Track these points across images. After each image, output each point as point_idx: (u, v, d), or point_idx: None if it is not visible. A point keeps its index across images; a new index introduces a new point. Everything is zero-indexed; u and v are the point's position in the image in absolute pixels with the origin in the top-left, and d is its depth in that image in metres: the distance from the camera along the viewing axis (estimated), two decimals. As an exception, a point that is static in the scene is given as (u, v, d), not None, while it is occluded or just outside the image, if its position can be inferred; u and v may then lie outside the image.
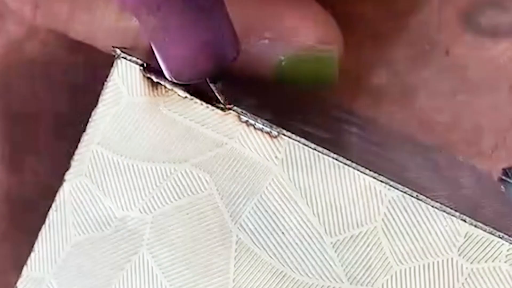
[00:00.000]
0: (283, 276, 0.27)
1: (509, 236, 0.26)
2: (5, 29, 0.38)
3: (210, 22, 0.26)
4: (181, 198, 0.28)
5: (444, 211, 0.26)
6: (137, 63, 0.28)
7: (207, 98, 0.28)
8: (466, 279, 0.26)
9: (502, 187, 0.38)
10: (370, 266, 0.27)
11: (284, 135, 0.27)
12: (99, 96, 0.29)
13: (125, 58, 0.28)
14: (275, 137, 0.27)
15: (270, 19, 0.32)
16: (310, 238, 0.27)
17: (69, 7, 0.33)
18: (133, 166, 0.28)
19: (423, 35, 0.39)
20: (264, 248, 0.27)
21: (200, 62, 0.26)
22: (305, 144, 0.27)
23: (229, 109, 0.27)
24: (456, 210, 0.26)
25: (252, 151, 0.27)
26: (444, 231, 0.26)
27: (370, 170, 0.27)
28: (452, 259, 0.26)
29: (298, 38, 0.32)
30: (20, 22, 0.38)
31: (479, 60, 0.38)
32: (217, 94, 0.27)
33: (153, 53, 0.26)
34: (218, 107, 0.28)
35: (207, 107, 0.28)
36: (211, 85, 0.27)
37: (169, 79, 0.27)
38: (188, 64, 0.26)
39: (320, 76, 0.33)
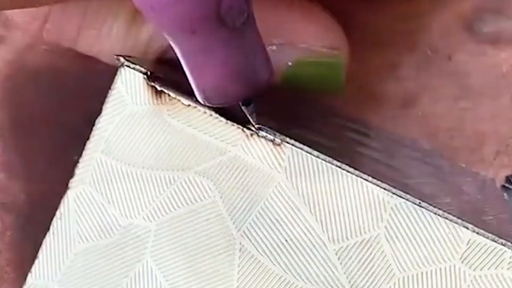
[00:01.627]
0: (287, 283, 0.27)
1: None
2: (11, 38, 0.38)
3: (243, 44, 0.26)
4: (185, 206, 0.28)
5: (447, 218, 0.26)
6: (141, 72, 0.28)
7: (237, 119, 0.28)
8: (468, 286, 0.26)
9: (504, 194, 0.38)
10: (373, 273, 0.27)
11: (287, 142, 0.27)
12: (103, 104, 0.29)
13: (128, 66, 0.28)
14: (279, 144, 0.27)
15: (277, 26, 0.32)
16: (313, 246, 0.27)
17: (78, 23, 0.33)
18: (136, 174, 0.28)
19: (426, 42, 0.39)
20: (267, 255, 0.27)
21: (233, 85, 0.26)
22: (308, 152, 0.27)
23: (260, 129, 0.27)
24: (458, 217, 0.26)
25: (256, 158, 0.28)
26: (447, 238, 0.26)
27: (372, 177, 0.27)
28: (454, 266, 0.26)
29: (305, 43, 0.32)
30: (25, 30, 0.38)
31: (482, 67, 0.38)
32: (249, 117, 0.27)
33: (186, 76, 0.26)
34: (249, 129, 0.28)
35: (211, 115, 0.28)
36: (243, 107, 0.27)
37: (202, 102, 0.27)
38: (221, 88, 0.26)
39: (327, 82, 0.33)
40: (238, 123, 0.28)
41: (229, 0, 0.25)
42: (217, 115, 0.28)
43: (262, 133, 0.27)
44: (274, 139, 0.27)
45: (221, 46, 0.25)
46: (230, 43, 0.25)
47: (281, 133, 0.27)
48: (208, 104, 0.27)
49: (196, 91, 0.27)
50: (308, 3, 0.34)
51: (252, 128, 0.27)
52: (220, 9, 0.25)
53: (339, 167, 0.27)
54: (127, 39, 0.33)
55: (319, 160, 0.27)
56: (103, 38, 0.33)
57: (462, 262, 0.26)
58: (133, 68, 0.28)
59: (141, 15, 0.32)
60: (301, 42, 0.32)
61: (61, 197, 0.29)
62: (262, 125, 0.27)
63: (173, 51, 0.26)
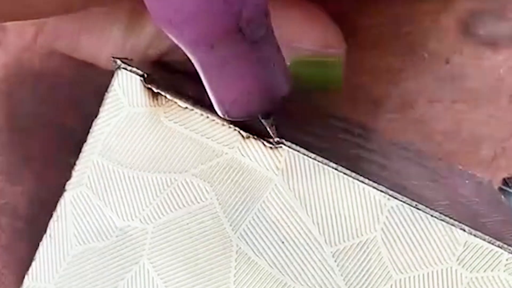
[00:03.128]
0: (283, 285, 0.27)
1: (509, 245, 0.26)
2: (7, 41, 0.38)
3: (263, 57, 0.26)
4: (182, 208, 0.28)
5: (443, 220, 0.26)
6: (137, 74, 0.28)
7: (256, 132, 0.28)
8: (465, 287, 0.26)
9: (502, 196, 0.38)
10: (370, 275, 0.27)
11: (284, 144, 0.27)
12: (100, 106, 0.29)
13: (125, 68, 0.28)
14: (276, 147, 0.27)
15: (275, 26, 0.32)
16: (310, 248, 0.27)
17: (74, 30, 0.33)
18: (133, 176, 0.28)
19: (423, 44, 0.39)
20: (264, 258, 0.27)
21: (252, 98, 0.26)
22: (305, 154, 0.27)
23: (280, 142, 0.27)
24: (455, 219, 0.26)
25: (252, 160, 0.28)
26: (444, 240, 0.26)
27: (369, 179, 0.27)
28: (451, 268, 0.26)
29: (303, 43, 0.33)
30: (21, 34, 0.38)
31: (479, 69, 0.38)
32: (268, 129, 0.27)
33: (205, 90, 0.26)
34: (269, 142, 0.27)
35: (207, 117, 0.28)
36: (262, 120, 0.27)
37: (221, 116, 0.27)
38: (241, 102, 0.26)
39: (325, 81, 0.33)
40: (257, 136, 0.27)
41: (249, 13, 0.25)
42: (213, 117, 0.28)
43: (285, 146, 0.27)
44: (299, 150, 0.27)
45: (241, 60, 0.25)
46: (249, 57, 0.25)
47: (278, 136, 0.27)
48: (228, 118, 0.27)
49: (216, 105, 0.26)
50: (306, 3, 0.34)
51: (272, 141, 0.27)
52: (239, 22, 0.24)
53: (336, 169, 0.27)
54: (125, 45, 0.33)
55: (316, 162, 0.27)
56: (101, 45, 0.33)
57: (459, 264, 0.26)
58: (130, 71, 0.28)
59: (140, 21, 0.32)
60: (299, 42, 0.32)
61: (58, 199, 0.29)
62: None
63: (192, 65, 0.26)
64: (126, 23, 0.32)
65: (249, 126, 0.28)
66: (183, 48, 0.25)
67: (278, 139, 0.27)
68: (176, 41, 0.25)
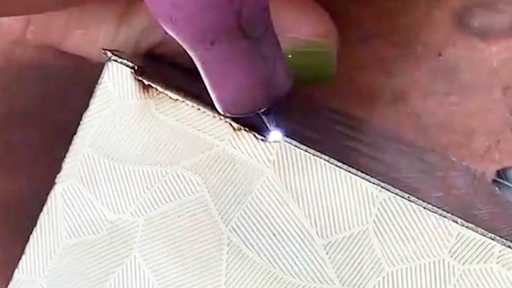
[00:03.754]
0: (275, 278, 0.27)
1: (501, 237, 0.26)
2: (-2, 33, 0.38)
3: (263, 54, 0.26)
4: (173, 201, 0.28)
5: (436, 212, 0.26)
6: (128, 66, 0.28)
7: (255, 128, 0.27)
8: (457, 280, 0.26)
9: (495, 188, 0.38)
10: (361, 267, 0.27)
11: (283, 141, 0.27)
12: (90, 99, 0.29)
13: (116, 60, 0.28)
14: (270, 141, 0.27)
15: None
16: (302, 240, 0.27)
17: (63, 24, 0.33)
18: (124, 168, 0.28)
19: (416, 37, 0.39)
20: (255, 250, 0.27)
21: (254, 95, 0.26)
22: (297, 146, 0.27)
23: (283, 140, 0.27)
24: (447, 211, 0.26)
25: (244, 153, 0.27)
26: (436, 232, 0.26)
27: (362, 171, 0.27)
28: (443, 260, 0.26)
29: (296, 33, 0.32)
30: (11, 26, 0.38)
31: (472, 62, 0.38)
32: (269, 126, 0.27)
33: (205, 86, 0.26)
34: (267, 140, 0.27)
35: (198, 109, 0.28)
36: (263, 117, 0.27)
37: (221, 112, 0.27)
38: (242, 98, 0.26)
39: (318, 71, 0.33)
40: (257, 133, 0.27)
41: (250, 10, 0.24)
42: (204, 109, 0.28)
43: (291, 143, 0.27)
44: (290, 142, 0.27)
45: (242, 56, 0.25)
46: (250, 53, 0.25)
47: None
48: (228, 115, 0.27)
49: (216, 102, 0.26)
50: None
51: (266, 137, 0.27)
52: (240, 19, 0.24)
53: (328, 162, 0.27)
54: (115, 39, 0.32)
55: (307, 154, 0.27)
56: (90, 39, 0.33)
57: (451, 256, 0.26)
58: (120, 63, 0.28)
59: (131, 13, 0.32)
60: (292, 33, 0.32)
61: (49, 192, 0.29)
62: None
63: (186, 59, 0.26)
64: (117, 16, 0.32)
65: (248, 123, 0.28)
66: (183, 44, 0.25)
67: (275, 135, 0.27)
68: (176, 38, 0.25)
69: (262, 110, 0.27)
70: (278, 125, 0.27)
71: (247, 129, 0.27)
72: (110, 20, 0.32)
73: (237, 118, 0.27)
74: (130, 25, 0.32)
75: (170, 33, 0.25)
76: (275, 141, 0.27)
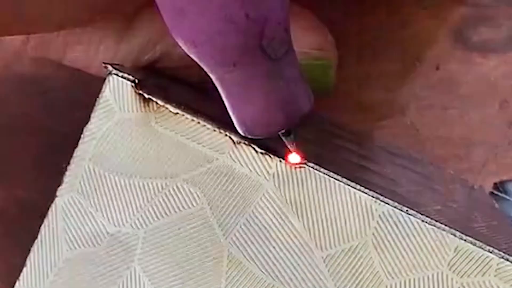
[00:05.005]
0: (274, 290, 0.27)
1: (499, 250, 0.26)
2: (-2, 46, 0.38)
3: (284, 74, 0.26)
4: (173, 213, 0.28)
5: (434, 226, 0.26)
6: (129, 80, 0.28)
7: (273, 151, 0.27)
8: (456, 293, 0.26)
9: (493, 201, 0.38)
10: (360, 280, 0.27)
11: (307, 165, 0.27)
12: (91, 112, 0.29)
13: (116, 74, 0.28)
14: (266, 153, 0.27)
15: None
16: (301, 253, 0.27)
17: (64, 40, 0.33)
18: (124, 181, 0.28)
19: (415, 51, 0.39)
20: (255, 262, 0.27)
21: (275, 116, 0.26)
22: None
23: (304, 163, 0.27)
24: (446, 225, 0.26)
25: (243, 166, 0.28)
26: (434, 245, 0.26)
27: (361, 185, 0.27)
28: (442, 273, 0.26)
29: (296, 46, 0.33)
30: (12, 39, 0.38)
31: (470, 75, 0.39)
32: (289, 146, 0.27)
33: (226, 108, 0.26)
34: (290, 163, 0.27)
35: (198, 122, 0.28)
36: (283, 137, 0.27)
37: (242, 134, 0.27)
38: (263, 119, 0.26)
39: (318, 83, 0.33)
40: (276, 155, 0.27)
41: (271, 31, 0.25)
42: (204, 123, 0.28)
43: (319, 171, 0.27)
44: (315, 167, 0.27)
45: (263, 77, 0.25)
46: (271, 74, 0.25)
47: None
48: (249, 136, 0.27)
49: (237, 123, 0.26)
50: (300, 9, 0.34)
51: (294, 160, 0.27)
52: (262, 41, 0.25)
53: (327, 175, 0.27)
54: (116, 53, 0.33)
55: (307, 168, 0.27)
56: (91, 54, 0.33)
57: (450, 269, 0.26)
58: (121, 76, 0.28)
59: (131, 28, 0.32)
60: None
61: (49, 204, 0.29)
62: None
63: (213, 84, 0.26)
64: (117, 31, 0.32)
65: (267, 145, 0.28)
66: (204, 67, 0.25)
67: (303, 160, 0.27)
68: (198, 61, 0.25)
69: (282, 131, 0.27)
70: (297, 146, 0.27)
71: (246, 142, 0.27)
72: (111, 35, 0.32)
73: (257, 140, 0.27)
74: (131, 40, 0.32)
75: (192, 56, 0.25)
76: (298, 165, 0.27)
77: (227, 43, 0.24)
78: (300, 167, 0.27)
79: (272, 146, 0.27)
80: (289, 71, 0.26)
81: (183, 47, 0.25)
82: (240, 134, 0.27)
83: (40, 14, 0.28)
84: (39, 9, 0.28)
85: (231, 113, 0.26)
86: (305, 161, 0.27)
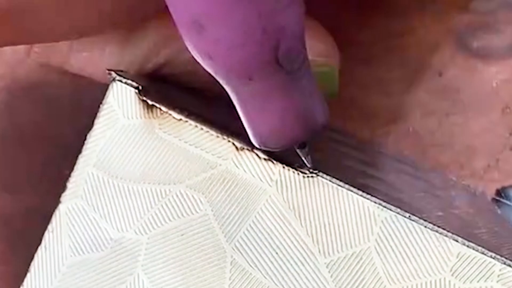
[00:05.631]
0: (278, 296, 0.27)
1: (501, 256, 0.26)
2: (2, 51, 0.38)
3: (300, 87, 0.26)
4: (176, 219, 0.28)
5: (437, 231, 0.26)
6: (132, 86, 0.28)
7: (287, 162, 0.27)
8: (458, 298, 0.26)
9: (495, 207, 0.38)
10: (363, 286, 0.27)
11: (318, 175, 0.27)
12: (95, 118, 0.29)
13: (120, 81, 0.28)
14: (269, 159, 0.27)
15: None
16: (304, 259, 0.27)
17: (68, 46, 0.33)
18: (128, 187, 0.29)
19: (416, 57, 0.39)
20: (258, 269, 0.28)
21: (291, 129, 0.26)
22: (332, 181, 0.27)
23: (315, 174, 0.27)
24: (448, 230, 0.26)
25: (247, 172, 0.28)
26: (437, 251, 0.26)
27: (363, 191, 0.27)
28: (444, 279, 0.26)
29: None
30: (15, 47, 0.38)
31: (472, 82, 0.39)
32: (304, 159, 0.27)
33: (241, 121, 0.26)
34: (301, 172, 0.27)
35: (202, 128, 0.28)
36: (298, 150, 0.27)
37: (258, 146, 0.27)
38: (279, 132, 0.26)
39: (323, 89, 0.33)
40: (291, 167, 0.27)
41: (287, 44, 0.24)
42: (207, 129, 0.28)
43: (322, 177, 0.27)
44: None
45: (279, 91, 0.25)
46: (287, 87, 0.25)
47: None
48: (264, 148, 0.27)
49: (252, 136, 0.26)
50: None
51: (307, 171, 0.27)
52: (278, 54, 0.24)
53: (330, 181, 0.27)
54: (120, 60, 0.33)
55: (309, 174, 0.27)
56: (95, 60, 0.33)
57: (452, 275, 0.26)
58: (125, 83, 0.28)
59: (135, 35, 0.32)
60: None
61: (53, 210, 0.29)
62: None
63: (228, 96, 0.26)
64: (122, 37, 0.33)
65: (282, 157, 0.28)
66: (219, 79, 0.25)
67: (313, 169, 0.27)
68: (213, 74, 0.25)
69: (298, 144, 0.27)
70: (312, 159, 0.27)
71: (249, 148, 0.28)
72: (115, 41, 0.32)
73: (272, 152, 0.27)
74: (136, 46, 0.32)
75: (208, 69, 0.25)
76: (312, 174, 0.27)
77: (243, 56, 0.24)
78: (310, 176, 0.27)
79: (279, 154, 0.27)
80: (305, 84, 0.26)
81: (198, 60, 0.25)
82: (243, 140, 0.28)
83: (44, 26, 0.28)
84: (43, 21, 0.28)
85: (246, 126, 0.26)
86: (317, 171, 0.27)
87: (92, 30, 0.30)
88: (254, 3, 0.24)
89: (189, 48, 0.25)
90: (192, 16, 0.24)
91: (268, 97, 0.25)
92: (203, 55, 0.25)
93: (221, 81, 0.25)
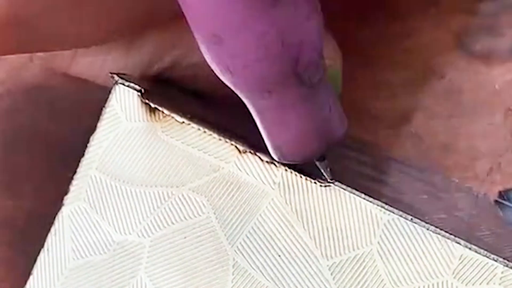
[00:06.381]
0: (280, 299, 0.27)
1: (504, 258, 0.26)
2: (3, 57, 0.38)
3: (319, 100, 0.26)
4: (179, 222, 0.28)
5: (439, 234, 0.26)
6: (135, 89, 0.28)
7: (307, 174, 0.27)
8: (461, 301, 0.26)
9: (498, 209, 0.38)
10: (366, 288, 0.27)
11: (335, 185, 0.27)
12: (98, 121, 0.29)
13: (123, 84, 0.29)
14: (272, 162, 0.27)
15: None
16: (307, 261, 0.27)
17: (71, 51, 0.33)
18: (131, 190, 0.29)
19: (419, 60, 0.39)
20: (260, 271, 0.28)
21: (310, 142, 0.26)
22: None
23: (334, 183, 0.27)
24: (450, 233, 0.26)
25: (249, 175, 0.28)
26: (439, 253, 0.26)
27: (366, 193, 0.27)
28: (447, 281, 0.26)
29: None
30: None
31: (474, 84, 0.39)
32: (323, 172, 0.27)
33: (261, 135, 0.26)
34: (321, 184, 0.27)
35: (204, 132, 0.28)
36: (317, 163, 0.27)
37: (277, 159, 0.27)
38: (298, 145, 0.26)
39: None
40: (310, 178, 0.27)
41: (307, 58, 0.24)
42: (210, 132, 0.28)
43: (337, 186, 0.27)
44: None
45: (298, 103, 0.25)
46: (307, 100, 0.25)
47: None
48: (284, 162, 0.27)
49: (271, 149, 0.26)
50: None
51: (325, 183, 0.27)
52: (297, 67, 0.24)
53: (333, 184, 0.27)
54: (124, 63, 0.33)
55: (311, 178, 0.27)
56: (99, 63, 0.33)
57: (455, 277, 0.26)
58: (128, 86, 0.28)
59: (139, 40, 0.32)
60: None
61: (55, 213, 0.29)
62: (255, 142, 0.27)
63: (245, 107, 0.26)
64: (126, 41, 0.33)
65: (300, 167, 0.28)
66: (238, 93, 0.25)
67: (334, 180, 0.27)
68: (231, 86, 0.25)
69: (317, 156, 0.27)
70: (331, 171, 0.27)
71: (252, 151, 0.28)
72: (119, 46, 0.32)
73: (292, 165, 0.27)
74: (140, 50, 0.32)
75: (227, 83, 0.25)
76: (327, 185, 0.27)
77: (263, 70, 0.24)
78: (327, 186, 0.27)
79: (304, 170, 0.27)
80: (324, 97, 0.26)
81: (217, 74, 0.25)
82: (246, 143, 0.28)
83: (53, 34, 0.28)
84: (53, 29, 0.28)
85: (265, 139, 0.26)
86: (333, 181, 0.27)
87: (101, 39, 0.30)
88: (273, 17, 0.24)
89: (208, 61, 0.25)
90: (211, 29, 0.24)
91: (287, 110, 0.25)
92: (222, 69, 0.25)
93: (240, 95, 0.25)
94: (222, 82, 0.25)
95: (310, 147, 0.26)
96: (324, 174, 0.27)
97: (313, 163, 0.27)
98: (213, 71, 0.25)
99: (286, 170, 0.27)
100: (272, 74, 0.24)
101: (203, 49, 0.25)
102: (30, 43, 0.29)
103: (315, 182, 0.27)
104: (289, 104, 0.25)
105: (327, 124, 0.26)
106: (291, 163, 0.27)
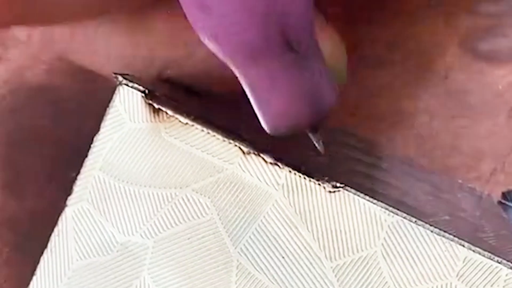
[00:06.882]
0: (284, 300, 0.27)
1: (508, 261, 0.26)
2: (7, 57, 0.38)
3: (309, 67, 0.26)
4: (182, 223, 0.28)
5: (443, 236, 0.26)
6: (139, 90, 0.28)
7: (310, 176, 0.27)
8: (465, 303, 0.26)
9: (502, 210, 0.38)
10: (369, 290, 0.27)
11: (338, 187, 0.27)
12: (101, 122, 0.29)
13: (127, 84, 0.29)
14: (276, 163, 0.27)
15: None
16: (310, 263, 0.27)
17: (70, 33, 0.33)
18: (134, 191, 0.29)
19: (423, 60, 0.39)
20: (264, 273, 0.28)
21: (301, 109, 0.26)
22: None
23: (338, 190, 0.27)
24: (455, 235, 0.26)
25: (253, 176, 0.28)
26: (443, 255, 0.26)
27: (369, 195, 0.27)
28: (451, 283, 0.26)
29: None
30: (22, 49, 0.38)
31: (478, 85, 0.39)
32: (316, 144, 0.27)
33: (251, 106, 0.26)
34: (330, 190, 0.27)
35: (208, 133, 0.28)
36: (310, 135, 0.27)
37: (270, 132, 0.27)
38: (289, 113, 0.26)
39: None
40: (314, 179, 0.27)
41: (295, 23, 0.24)
42: (214, 133, 0.28)
43: (342, 189, 0.27)
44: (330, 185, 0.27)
45: (287, 70, 0.25)
46: (296, 67, 0.25)
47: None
48: (276, 134, 0.27)
49: (263, 120, 0.26)
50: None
51: (333, 189, 0.27)
52: (286, 33, 0.24)
53: (336, 185, 0.27)
54: (127, 62, 0.33)
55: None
56: (101, 62, 0.33)
57: (459, 279, 0.26)
58: (131, 87, 0.28)
59: (141, 38, 0.32)
60: None
61: (59, 214, 0.29)
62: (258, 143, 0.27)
63: (238, 82, 0.26)
64: (128, 40, 0.33)
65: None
66: (227, 62, 0.25)
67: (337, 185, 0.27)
68: (220, 56, 0.25)
69: (309, 128, 0.27)
70: (324, 143, 0.27)
71: (256, 152, 0.28)
72: (121, 45, 0.32)
73: (296, 167, 0.27)
74: (141, 50, 0.32)
75: (215, 52, 0.25)
76: (335, 190, 0.27)
77: (247, 37, 0.24)
78: (335, 192, 0.27)
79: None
80: (314, 63, 0.26)
81: (205, 43, 0.25)
82: (250, 145, 0.28)
83: (49, 4, 0.28)
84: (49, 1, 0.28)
85: (256, 109, 0.26)
86: (343, 185, 0.27)
87: (98, 11, 0.30)
88: None
89: (196, 29, 0.25)
90: None
91: (277, 77, 0.25)
92: (209, 36, 0.25)
93: (229, 65, 0.25)
94: (227, 80, 0.25)
95: (300, 113, 0.26)
96: (317, 146, 0.27)
97: (306, 135, 0.27)
98: (218, 69, 0.25)
99: (290, 171, 0.27)
100: (257, 42, 0.24)
101: (191, 17, 0.25)
102: (25, 15, 0.28)
103: (319, 184, 0.27)
104: (278, 70, 0.25)
105: (317, 90, 0.26)
106: (283, 133, 0.27)
